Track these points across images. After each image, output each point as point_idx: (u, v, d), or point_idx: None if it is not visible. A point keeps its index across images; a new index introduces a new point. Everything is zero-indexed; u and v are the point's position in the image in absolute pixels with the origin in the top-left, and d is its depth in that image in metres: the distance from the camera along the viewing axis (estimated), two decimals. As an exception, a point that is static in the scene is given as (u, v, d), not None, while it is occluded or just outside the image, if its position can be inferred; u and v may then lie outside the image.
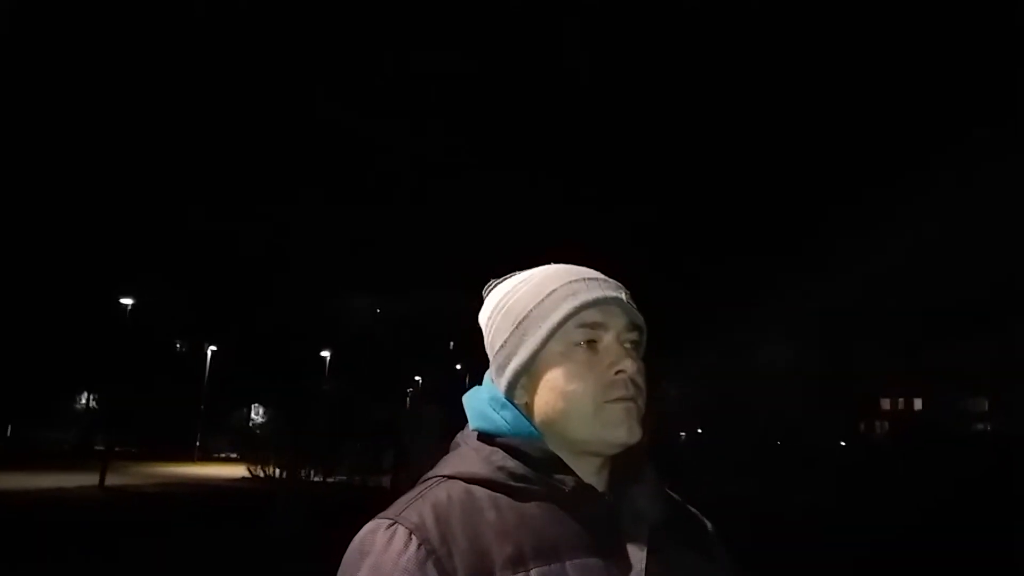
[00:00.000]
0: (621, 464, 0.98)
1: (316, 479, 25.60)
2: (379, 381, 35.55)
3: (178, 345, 43.95)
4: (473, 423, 1.01)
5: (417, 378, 50.83)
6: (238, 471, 25.46)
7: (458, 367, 54.15)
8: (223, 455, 37.04)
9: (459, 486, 0.92)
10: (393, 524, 0.87)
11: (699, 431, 43.74)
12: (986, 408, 60.36)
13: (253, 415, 45.57)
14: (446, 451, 1.04)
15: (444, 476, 0.95)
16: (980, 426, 57.71)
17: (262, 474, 23.94)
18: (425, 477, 0.97)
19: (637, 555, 0.91)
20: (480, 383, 1.07)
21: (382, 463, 21.69)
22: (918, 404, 64.50)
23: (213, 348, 40.13)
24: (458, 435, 1.03)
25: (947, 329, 54.39)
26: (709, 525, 1.07)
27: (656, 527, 0.94)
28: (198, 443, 36.74)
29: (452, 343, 55.29)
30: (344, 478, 25.09)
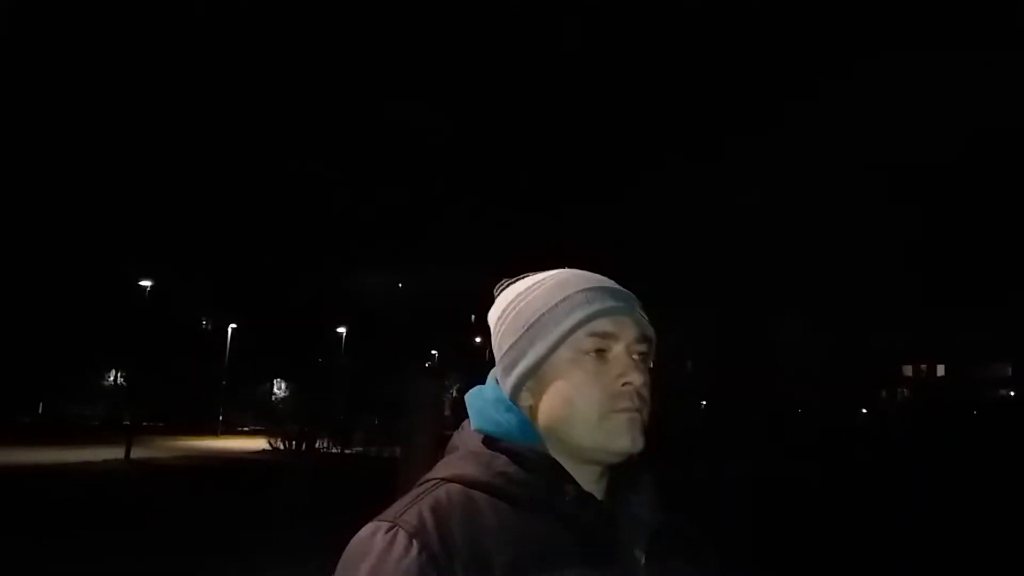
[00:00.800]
0: (620, 473, 0.99)
1: (334, 451, 26.58)
2: (394, 356, 36.34)
3: (203, 323, 45.05)
4: (475, 423, 1.01)
5: (434, 352, 51.63)
6: (259, 444, 26.50)
7: (477, 340, 54.78)
8: (247, 428, 38.17)
9: (459, 489, 0.92)
10: (393, 527, 0.88)
11: (703, 403, 43.83)
12: (1009, 374, 59.74)
13: (276, 390, 46.79)
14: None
15: (444, 479, 0.95)
16: (1003, 391, 57.24)
17: (281, 446, 25.02)
18: (425, 479, 0.97)
19: (635, 564, 0.92)
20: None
21: (397, 435, 22.48)
22: (940, 370, 63.27)
23: (234, 326, 41.09)
24: (456, 435, 1.03)
25: (970, 294, 53.61)
26: (704, 537, 1.08)
27: (654, 536, 0.96)
28: (221, 417, 37.80)
29: (473, 316, 55.82)
30: (360, 449, 26.10)
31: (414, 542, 0.85)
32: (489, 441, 0.97)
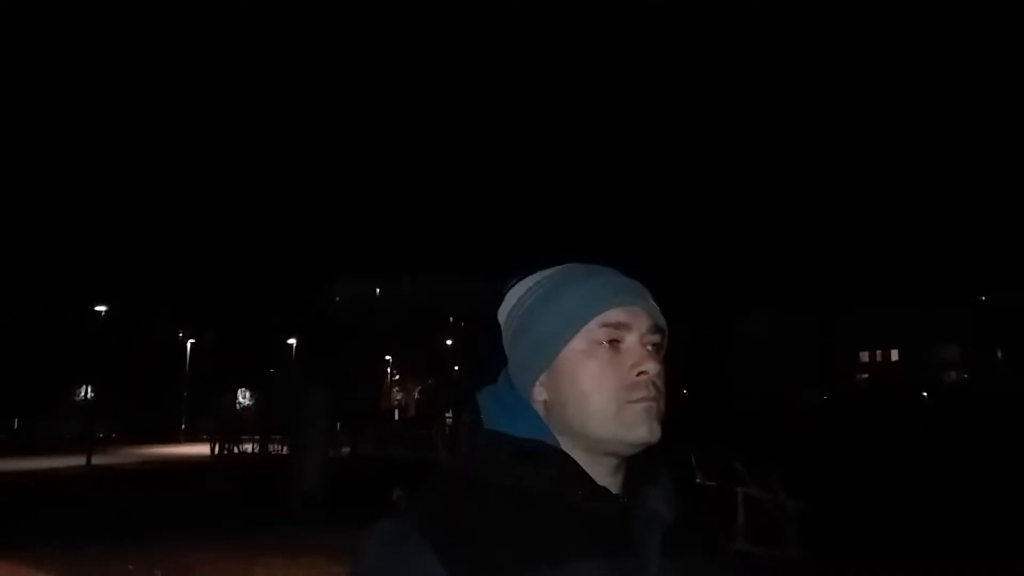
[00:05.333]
0: (636, 466, 0.98)
1: (255, 452, 30.04)
2: (344, 364, 39.80)
3: (178, 336, 48.40)
4: (488, 422, 1.01)
5: (388, 357, 55.03)
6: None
7: (448, 343, 57.33)
8: (213, 436, 41.79)
9: (470, 485, 0.93)
10: (405, 522, 0.89)
11: (684, 392, 44.78)
12: (958, 355, 62.70)
13: (241, 399, 50.28)
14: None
15: (456, 475, 0.97)
16: (953, 374, 60.21)
17: (226, 451, 28.59)
18: (437, 474, 0.99)
19: (651, 558, 0.91)
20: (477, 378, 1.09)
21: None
22: (895, 355, 65.21)
23: (192, 341, 44.65)
24: (473, 432, 1.05)
25: (923, 278, 56.03)
26: (719, 529, 1.08)
27: (670, 530, 0.94)
28: (183, 426, 41.41)
29: (452, 318, 58.00)
30: (280, 449, 29.43)
31: (423, 535, 0.87)
32: (501, 438, 0.98)
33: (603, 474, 0.97)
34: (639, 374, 0.95)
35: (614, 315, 0.97)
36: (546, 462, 0.95)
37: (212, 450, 28.84)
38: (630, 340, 0.98)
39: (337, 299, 49.19)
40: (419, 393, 59.38)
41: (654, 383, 0.96)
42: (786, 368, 58.90)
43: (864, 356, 67.09)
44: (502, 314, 1.07)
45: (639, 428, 0.94)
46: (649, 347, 0.98)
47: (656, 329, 1.00)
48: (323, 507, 12.68)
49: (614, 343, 0.97)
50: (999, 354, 55.02)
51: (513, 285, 1.07)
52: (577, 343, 0.97)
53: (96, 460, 23.43)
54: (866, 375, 65.02)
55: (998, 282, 51.41)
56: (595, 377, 0.96)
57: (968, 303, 58.42)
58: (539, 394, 1.00)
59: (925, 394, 44.58)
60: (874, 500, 12.35)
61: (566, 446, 0.97)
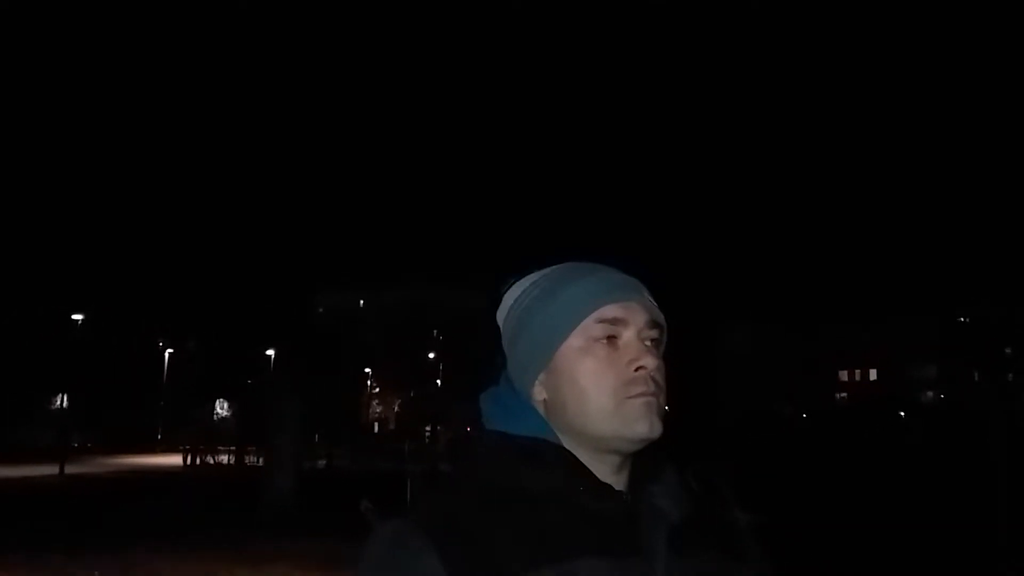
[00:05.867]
0: (640, 463, 0.98)
1: (228, 462, 29.95)
2: (322, 375, 39.67)
3: (159, 345, 48.09)
4: (489, 423, 1.01)
5: (368, 369, 54.87)
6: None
7: (431, 355, 57.15)
8: (187, 446, 41.49)
9: (472, 484, 0.94)
10: (407, 522, 0.89)
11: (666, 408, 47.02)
12: (934, 375, 63.45)
13: (219, 409, 49.96)
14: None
15: (458, 476, 0.98)
16: (930, 393, 60.93)
17: (199, 462, 28.52)
18: (439, 473, 1.00)
19: (658, 556, 0.90)
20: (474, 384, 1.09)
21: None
22: (873, 375, 66.27)
23: (171, 351, 44.40)
24: (472, 433, 1.04)
25: (898, 299, 56.48)
26: (743, 520, 1.05)
27: (676, 527, 0.93)
28: (159, 436, 41.11)
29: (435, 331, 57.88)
30: (254, 460, 29.38)
31: (427, 537, 0.87)
32: (503, 438, 0.98)
33: (606, 472, 0.96)
34: (637, 369, 0.95)
35: (610, 311, 0.97)
36: (549, 461, 0.94)
37: (185, 460, 28.73)
38: (627, 336, 0.97)
39: (320, 310, 49.05)
40: (399, 406, 59.25)
41: (653, 378, 0.96)
42: (767, 382, 59.49)
43: (843, 375, 68.32)
44: (500, 315, 1.07)
45: (639, 423, 0.93)
46: (647, 342, 0.98)
47: (654, 324, 0.99)
48: (293, 516, 12.70)
49: (612, 339, 0.97)
50: (975, 374, 55.76)
51: (510, 286, 1.07)
52: (574, 340, 0.97)
53: (70, 469, 23.28)
54: (844, 394, 65.89)
55: (975, 298, 52.01)
56: (593, 374, 0.95)
57: (944, 320, 59.20)
58: (539, 393, 1.00)
59: (902, 413, 45.10)
60: (838, 514, 12.46)
61: (568, 445, 0.97)
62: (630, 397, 0.94)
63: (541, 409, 0.99)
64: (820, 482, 17.41)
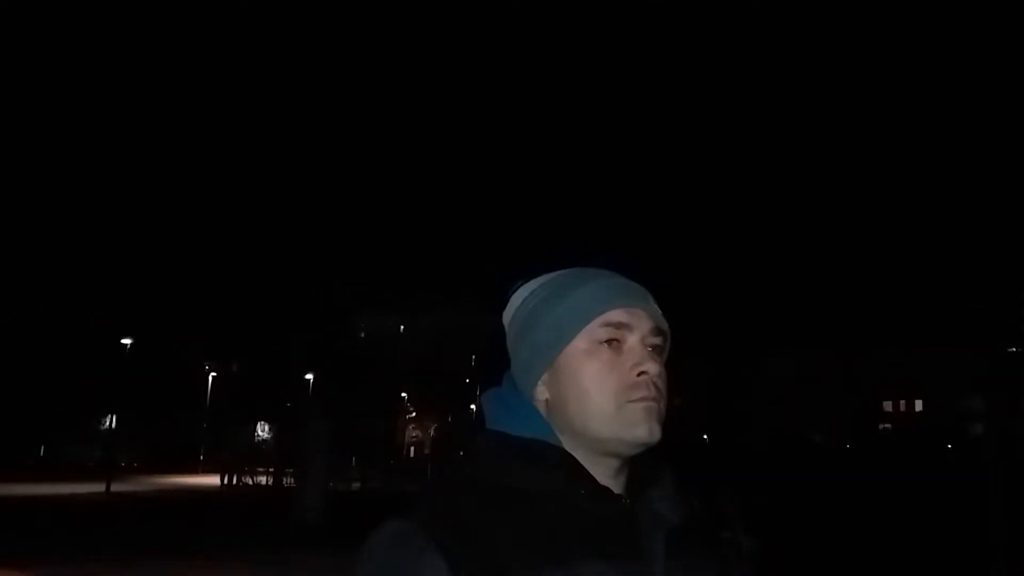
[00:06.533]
0: (639, 467, 0.99)
1: (268, 484, 30.67)
2: (361, 399, 40.44)
3: (205, 369, 49.51)
4: (491, 423, 1.02)
5: (404, 394, 55.51)
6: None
7: (467, 380, 57.71)
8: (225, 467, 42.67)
9: (474, 486, 0.94)
10: (408, 522, 0.89)
11: (704, 437, 44.44)
12: (982, 407, 61.36)
13: (259, 431, 51.04)
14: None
15: (460, 477, 0.98)
16: (979, 426, 58.95)
17: (236, 483, 29.34)
18: (441, 476, 1.05)
19: (656, 559, 0.92)
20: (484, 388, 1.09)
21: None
22: (919, 405, 65.04)
23: (214, 374, 45.70)
24: (476, 434, 1.04)
25: (945, 328, 55.10)
26: (747, 544, 1.11)
27: (674, 532, 0.95)
28: (201, 456, 42.30)
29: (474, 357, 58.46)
30: (291, 482, 29.97)
31: (427, 536, 0.87)
32: (504, 439, 0.98)
33: (605, 475, 0.97)
34: (639, 374, 0.96)
35: (616, 315, 0.98)
36: (549, 462, 0.95)
37: (222, 480, 29.57)
38: (631, 341, 0.98)
39: (362, 335, 49.85)
40: (434, 431, 59.70)
41: (655, 384, 0.97)
42: (807, 409, 58.66)
43: (887, 406, 66.50)
44: (506, 316, 1.09)
45: (638, 428, 0.94)
46: (650, 348, 0.99)
47: (658, 331, 1.01)
48: (321, 533, 13.22)
49: (615, 343, 0.98)
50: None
51: (517, 288, 1.08)
52: (579, 343, 0.98)
53: (115, 487, 24.20)
54: (888, 424, 64.75)
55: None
56: (596, 376, 0.96)
57: (993, 352, 57.75)
58: (541, 393, 1.01)
59: (949, 446, 44.07)
60: (858, 544, 12.46)
61: (567, 445, 0.98)
62: (631, 401, 0.95)
63: (542, 409, 1.01)
64: (833, 512, 17.30)
